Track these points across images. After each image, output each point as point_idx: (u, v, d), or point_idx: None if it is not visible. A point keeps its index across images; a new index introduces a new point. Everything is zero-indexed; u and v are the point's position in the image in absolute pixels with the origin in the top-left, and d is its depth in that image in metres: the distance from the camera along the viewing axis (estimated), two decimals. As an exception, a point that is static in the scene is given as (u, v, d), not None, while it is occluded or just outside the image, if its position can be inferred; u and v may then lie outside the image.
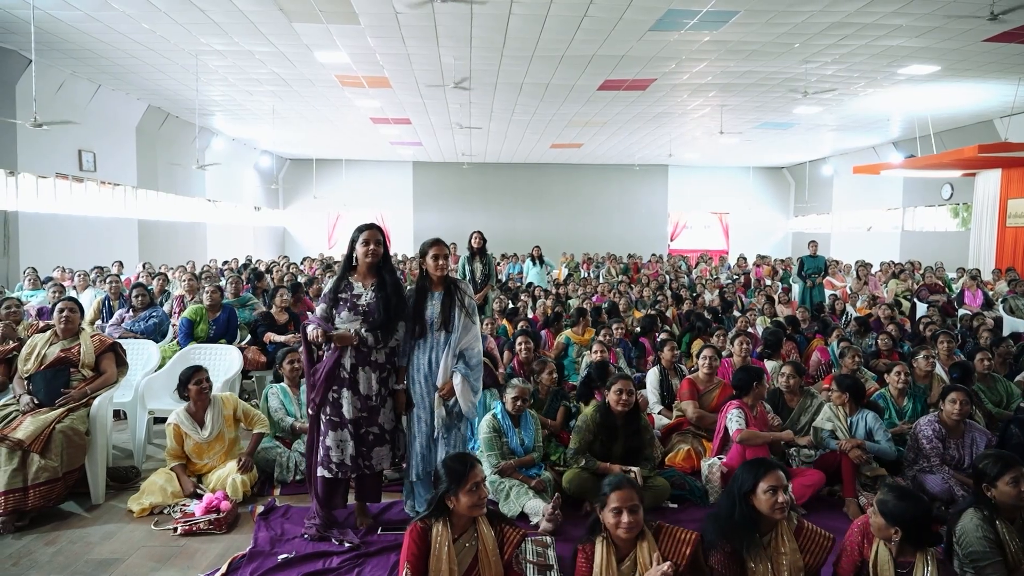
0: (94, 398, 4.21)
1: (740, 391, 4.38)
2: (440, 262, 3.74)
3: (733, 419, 4.22)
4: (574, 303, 9.19)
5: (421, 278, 3.82)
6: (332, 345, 3.58)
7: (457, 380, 3.68)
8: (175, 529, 3.77)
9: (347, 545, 3.54)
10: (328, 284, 3.74)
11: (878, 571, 2.72)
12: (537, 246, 12.69)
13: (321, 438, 3.64)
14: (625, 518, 2.56)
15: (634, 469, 3.96)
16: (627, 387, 4.14)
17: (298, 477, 4.50)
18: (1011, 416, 4.69)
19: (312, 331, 3.51)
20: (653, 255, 19.09)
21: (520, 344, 5.68)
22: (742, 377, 4.40)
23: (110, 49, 9.93)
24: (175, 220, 16.51)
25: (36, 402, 4.10)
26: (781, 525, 2.74)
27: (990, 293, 10.43)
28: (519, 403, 4.26)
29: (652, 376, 5.63)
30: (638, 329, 7.48)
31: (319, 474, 3.64)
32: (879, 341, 6.72)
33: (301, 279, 10.51)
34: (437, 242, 3.79)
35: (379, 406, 3.67)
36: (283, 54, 10.09)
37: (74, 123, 10.10)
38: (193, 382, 4.30)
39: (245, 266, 13.70)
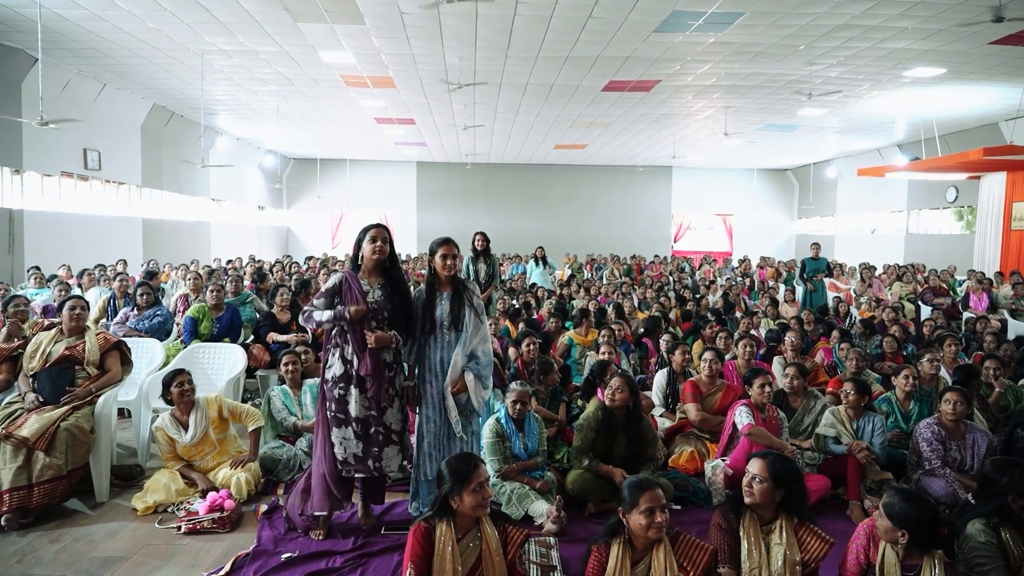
0: (98, 396, 4.22)
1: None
2: (448, 262, 3.71)
3: (743, 415, 4.23)
4: (577, 304, 9.18)
5: (430, 275, 3.81)
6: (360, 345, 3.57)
7: (470, 378, 3.67)
8: (179, 527, 3.77)
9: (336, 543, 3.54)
10: (331, 280, 3.70)
11: (884, 574, 2.72)
12: (541, 247, 12.68)
13: (327, 435, 3.64)
14: (658, 517, 2.57)
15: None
16: (620, 385, 4.14)
17: (299, 477, 4.49)
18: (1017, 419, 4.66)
19: (353, 310, 3.49)
20: (656, 256, 19.08)
21: (526, 344, 5.67)
22: (744, 375, 4.44)
23: (116, 48, 9.96)
24: (179, 219, 16.55)
25: (41, 400, 4.11)
26: (783, 519, 2.81)
27: (996, 295, 10.40)
28: (519, 406, 4.25)
29: (659, 379, 5.62)
30: (641, 330, 7.47)
31: (322, 471, 3.63)
32: (884, 344, 6.70)
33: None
34: (446, 241, 3.76)
35: (387, 405, 3.66)
36: (288, 54, 10.10)
37: (79, 121, 10.10)
38: (175, 385, 4.30)
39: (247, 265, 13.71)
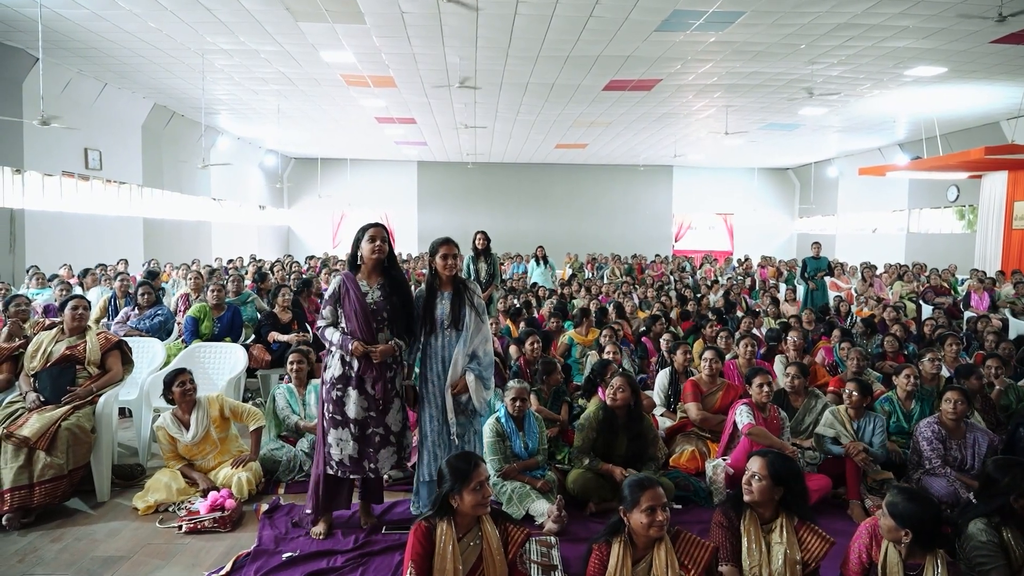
0: (99, 396, 4.22)
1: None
2: (449, 262, 3.70)
3: (743, 414, 4.23)
4: (578, 303, 9.18)
5: (431, 276, 3.81)
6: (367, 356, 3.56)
7: (471, 379, 3.66)
8: (180, 527, 3.77)
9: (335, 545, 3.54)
10: (332, 285, 3.71)
11: (887, 573, 2.72)
12: (541, 246, 12.68)
13: (324, 436, 3.65)
14: (659, 516, 2.57)
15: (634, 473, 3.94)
16: (622, 384, 4.14)
17: (300, 477, 4.50)
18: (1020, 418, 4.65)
19: (353, 347, 3.50)
20: (657, 256, 19.08)
21: (529, 343, 5.67)
22: (745, 374, 4.44)
23: (116, 48, 9.96)
24: (180, 219, 16.55)
25: (42, 399, 4.12)
26: (783, 518, 2.82)
27: (998, 294, 10.40)
28: (519, 403, 4.26)
29: (661, 378, 5.62)
30: (642, 329, 7.47)
31: (319, 471, 3.64)
32: (885, 343, 6.69)
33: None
34: (447, 241, 3.75)
35: (387, 407, 3.65)
36: (289, 53, 10.10)
37: (80, 121, 10.12)
38: (176, 384, 4.30)
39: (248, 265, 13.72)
